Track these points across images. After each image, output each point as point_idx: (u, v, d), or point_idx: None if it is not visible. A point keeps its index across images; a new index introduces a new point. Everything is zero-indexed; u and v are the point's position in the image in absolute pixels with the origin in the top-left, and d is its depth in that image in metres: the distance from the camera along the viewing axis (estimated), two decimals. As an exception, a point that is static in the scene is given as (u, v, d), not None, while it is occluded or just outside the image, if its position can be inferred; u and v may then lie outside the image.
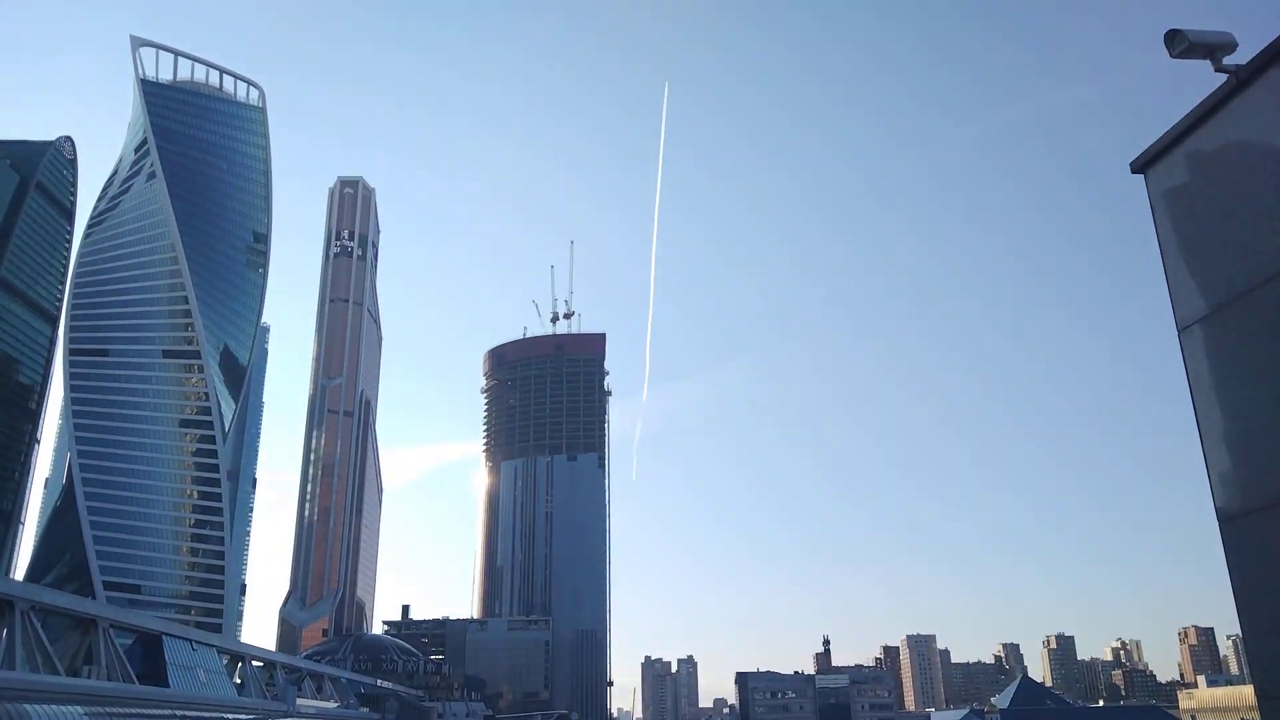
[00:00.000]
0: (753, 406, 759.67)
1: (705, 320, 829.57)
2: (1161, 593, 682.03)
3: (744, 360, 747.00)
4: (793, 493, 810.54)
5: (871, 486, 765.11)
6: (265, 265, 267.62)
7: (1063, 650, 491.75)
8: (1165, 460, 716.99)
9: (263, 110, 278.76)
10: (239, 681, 79.32)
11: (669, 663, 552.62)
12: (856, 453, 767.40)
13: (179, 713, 57.77)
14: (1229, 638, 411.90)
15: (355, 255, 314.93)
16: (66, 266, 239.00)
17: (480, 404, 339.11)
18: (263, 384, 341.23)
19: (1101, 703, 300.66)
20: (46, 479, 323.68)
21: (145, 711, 53.01)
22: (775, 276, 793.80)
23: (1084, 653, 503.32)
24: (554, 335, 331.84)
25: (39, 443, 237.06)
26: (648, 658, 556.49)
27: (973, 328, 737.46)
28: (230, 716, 68.12)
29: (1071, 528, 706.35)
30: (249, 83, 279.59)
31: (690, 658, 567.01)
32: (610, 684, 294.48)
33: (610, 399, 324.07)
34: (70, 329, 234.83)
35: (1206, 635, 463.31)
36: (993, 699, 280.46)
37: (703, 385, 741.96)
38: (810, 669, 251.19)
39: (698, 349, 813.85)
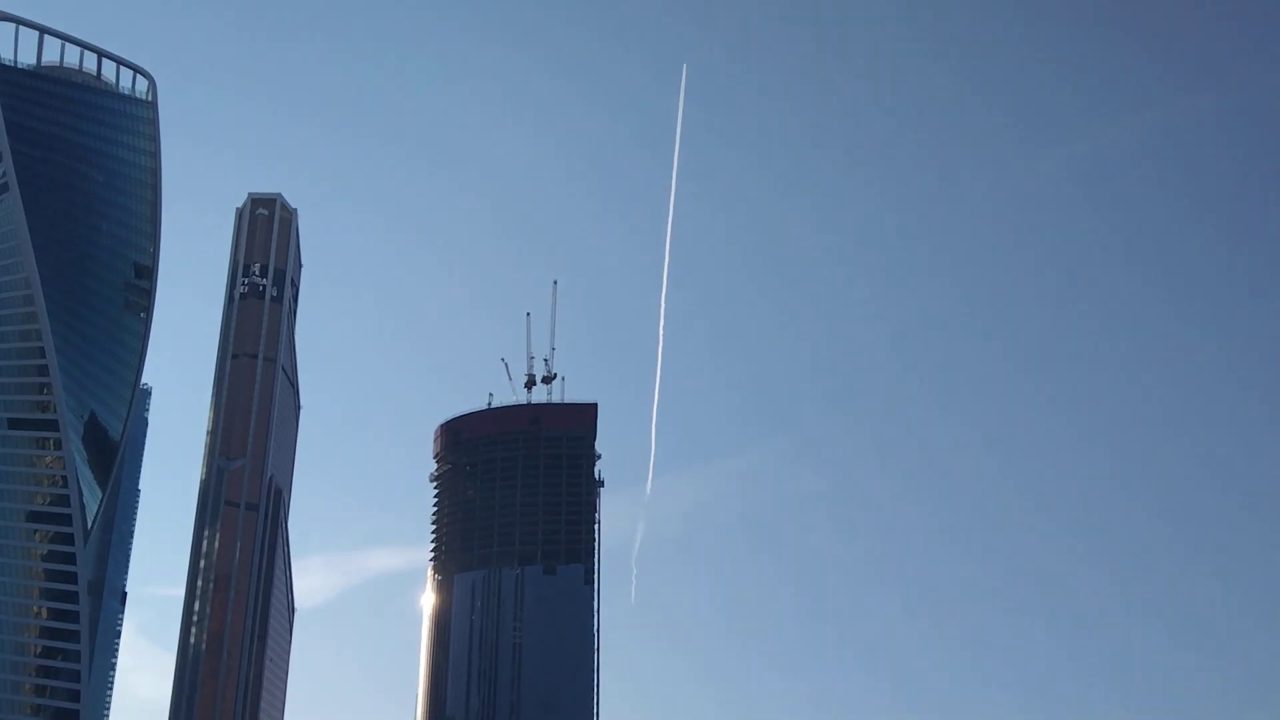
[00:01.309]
0: (797, 503, 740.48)
1: (731, 387, 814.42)
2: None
3: (784, 440, 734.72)
4: (856, 620, 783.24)
5: (970, 619, 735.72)
6: (149, 308, 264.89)
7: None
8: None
9: (153, 106, 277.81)
10: None
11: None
12: (945, 570, 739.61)
13: None
14: None
15: (268, 296, 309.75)
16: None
17: (428, 496, 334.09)
18: (139, 466, 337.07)
19: None
20: None
21: None
22: (825, 328, 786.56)
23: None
24: (529, 405, 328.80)
25: None
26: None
27: (1115, 393, 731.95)
28: None
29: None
30: (136, 70, 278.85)
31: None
32: None
33: (602, 491, 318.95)
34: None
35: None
36: None
37: (727, 474, 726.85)
38: None
39: (720, 425, 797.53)
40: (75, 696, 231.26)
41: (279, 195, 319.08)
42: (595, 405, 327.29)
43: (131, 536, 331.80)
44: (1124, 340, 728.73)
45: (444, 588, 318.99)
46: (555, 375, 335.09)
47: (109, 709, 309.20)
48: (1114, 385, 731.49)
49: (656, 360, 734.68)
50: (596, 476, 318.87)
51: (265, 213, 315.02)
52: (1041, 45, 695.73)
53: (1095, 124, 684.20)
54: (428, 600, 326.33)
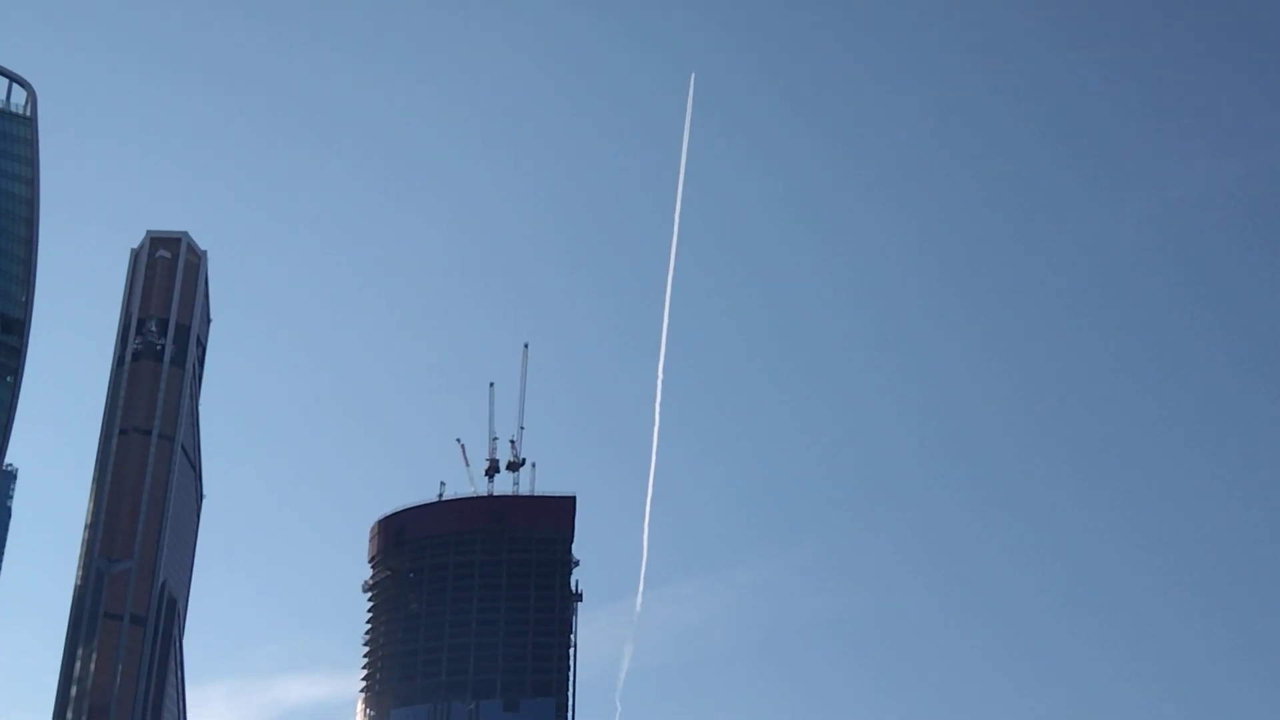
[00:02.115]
0: (816, 624, 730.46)
1: (738, 482, 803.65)
2: None
3: (801, 549, 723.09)
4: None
5: None
6: (17, 370, 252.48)
7: None
8: None
9: (31, 122, 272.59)
10: None
11: None
12: (995, 705, 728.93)
13: None
14: None
15: (167, 358, 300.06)
16: None
17: (361, 610, 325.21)
18: (0, 564, 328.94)
19: None
20: None
21: None
22: (847, 416, 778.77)
23: None
24: (490, 498, 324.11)
25: None
26: None
27: (1186, 497, 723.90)
28: None
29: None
30: (12, 78, 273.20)
31: None
32: None
33: (580, 606, 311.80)
34: None
35: None
36: None
37: (732, 587, 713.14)
38: None
39: (725, 528, 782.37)
40: None
41: (185, 234, 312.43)
42: (573, 499, 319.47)
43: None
44: (1201, 434, 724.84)
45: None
46: (524, 461, 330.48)
47: None
48: (1184, 487, 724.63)
49: (651, 446, 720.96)
50: (573, 588, 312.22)
51: (167, 255, 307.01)
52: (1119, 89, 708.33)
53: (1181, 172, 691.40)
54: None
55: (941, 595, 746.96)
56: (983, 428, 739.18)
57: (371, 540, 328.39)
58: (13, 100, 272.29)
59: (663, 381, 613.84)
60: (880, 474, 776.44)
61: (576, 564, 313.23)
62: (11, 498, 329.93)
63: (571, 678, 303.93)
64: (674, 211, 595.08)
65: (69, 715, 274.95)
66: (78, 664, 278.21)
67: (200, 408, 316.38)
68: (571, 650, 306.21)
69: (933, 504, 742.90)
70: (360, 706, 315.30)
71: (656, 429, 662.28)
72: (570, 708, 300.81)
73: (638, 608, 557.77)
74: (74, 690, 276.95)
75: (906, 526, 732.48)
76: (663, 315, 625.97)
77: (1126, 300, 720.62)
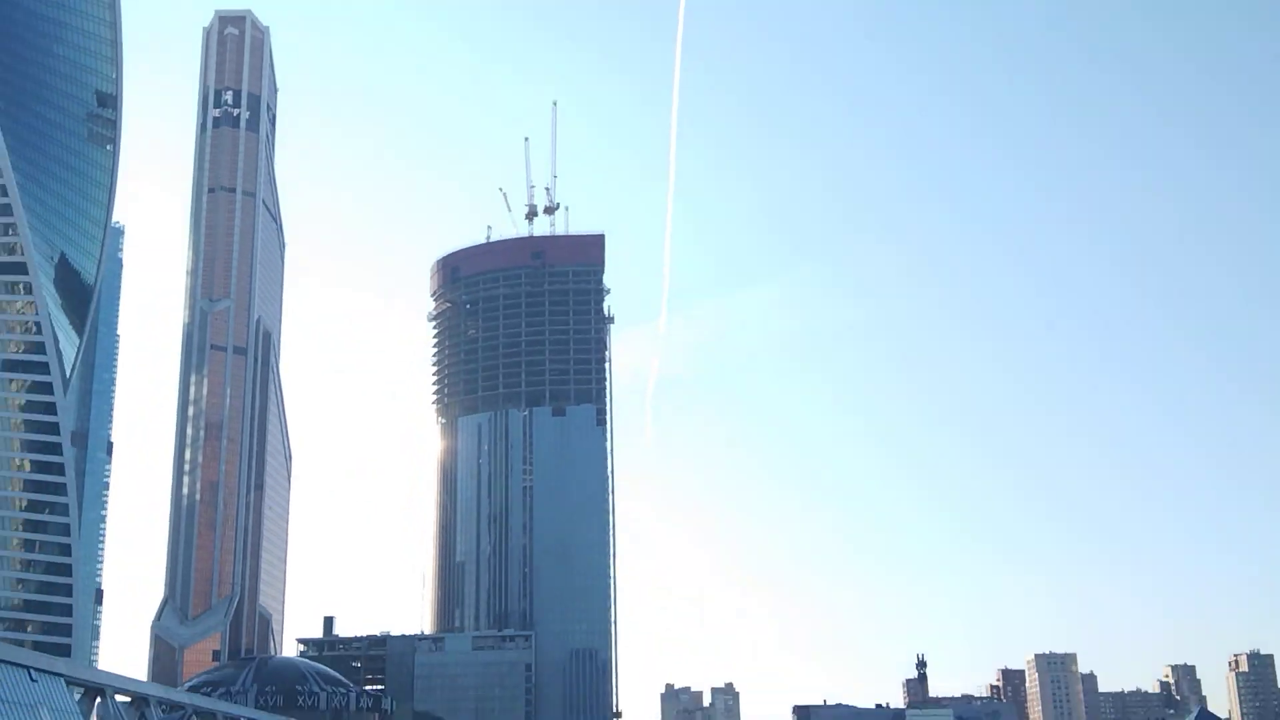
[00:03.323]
0: (823, 335, 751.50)
1: (752, 212, 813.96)
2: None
3: (808, 268, 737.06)
4: (867, 456, 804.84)
5: (990, 447, 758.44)
6: (115, 140, 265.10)
7: (1257, 673, 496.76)
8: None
9: None
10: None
11: (699, 692, 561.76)
12: (975, 397, 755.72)
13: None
14: None
15: (243, 123, 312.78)
16: None
17: (428, 336, 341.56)
18: (117, 309, 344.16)
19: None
20: None
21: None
22: (850, 149, 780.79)
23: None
24: (531, 238, 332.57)
25: None
26: (669, 686, 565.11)
27: (1148, 212, 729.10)
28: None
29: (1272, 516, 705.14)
30: None
31: (729, 686, 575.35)
32: (618, 716, 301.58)
33: (613, 327, 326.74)
34: None
35: None
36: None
37: (747, 307, 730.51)
38: (899, 700, 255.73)
39: (739, 254, 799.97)
40: (66, 550, 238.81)
41: (249, 12, 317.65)
42: (602, 236, 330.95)
43: (113, 384, 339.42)
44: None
45: (449, 431, 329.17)
46: (558, 205, 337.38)
47: (101, 563, 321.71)
48: (1160, 231, 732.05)
49: (668, 185, 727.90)
50: (606, 312, 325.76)
51: (235, 32, 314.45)
52: None
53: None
54: (432, 445, 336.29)
55: (941, 307, 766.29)
56: (969, 159, 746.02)
57: (432, 278, 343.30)
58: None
59: (677, 127, 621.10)
60: (880, 197, 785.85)
61: (608, 292, 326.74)
62: (121, 250, 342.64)
63: (608, 387, 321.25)
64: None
65: (189, 431, 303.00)
66: (191, 389, 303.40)
67: (275, 168, 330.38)
68: (607, 364, 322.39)
69: (931, 225, 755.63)
70: (433, 415, 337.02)
71: (672, 170, 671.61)
72: (609, 411, 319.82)
73: (661, 327, 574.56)
74: (190, 411, 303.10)
75: (907, 246, 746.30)
76: (675, 67, 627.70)
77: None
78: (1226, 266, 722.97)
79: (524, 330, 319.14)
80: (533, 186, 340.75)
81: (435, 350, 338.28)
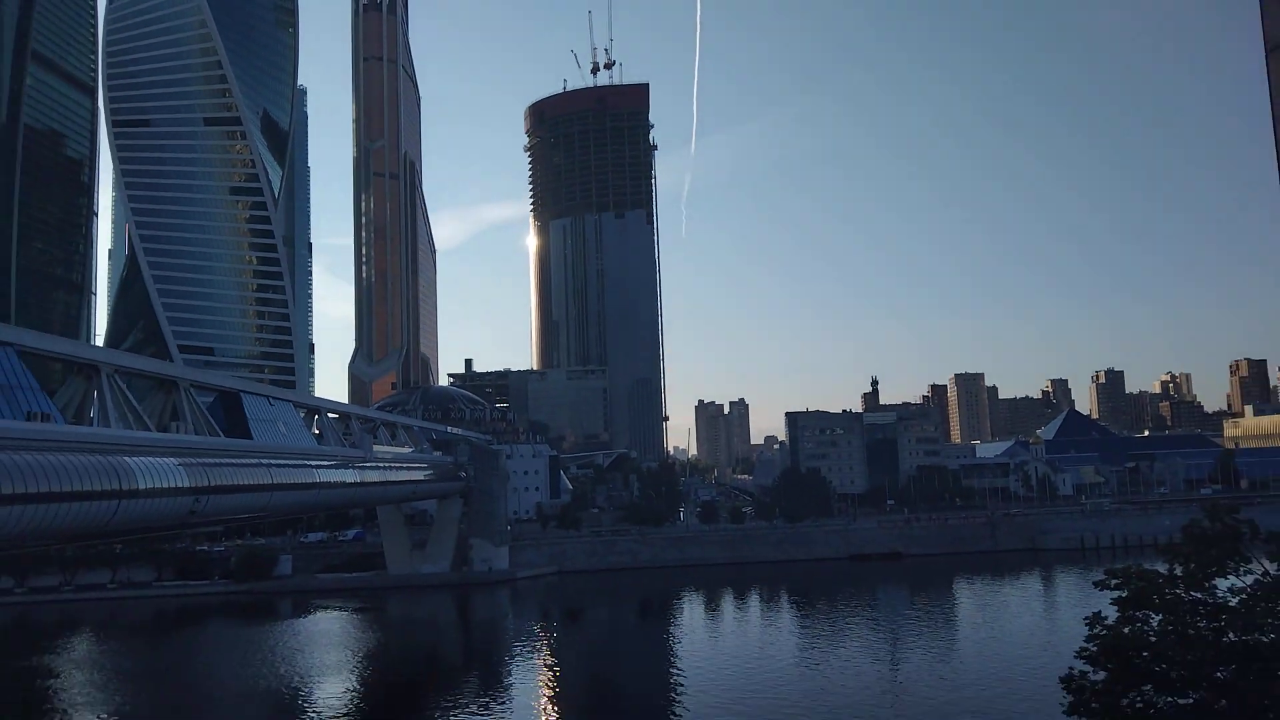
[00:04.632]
0: (804, 156, 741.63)
1: (756, 68, 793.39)
2: (1214, 328, 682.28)
3: (832, 94, 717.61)
4: (841, 240, 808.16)
5: (919, 228, 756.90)
6: (294, 24, 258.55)
7: (1111, 384, 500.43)
8: (1223, 196, 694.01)
9: None
10: (317, 433, 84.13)
11: (721, 405, 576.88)
12: (904, 196, 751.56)
13: (266, 461, 62.03)
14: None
15: (385, 8, 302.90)
16: (95, 34, 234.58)
17: (524, 163, 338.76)
18: (306, 148, 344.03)
19: (1146, 433, 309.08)
20: (110, 250, 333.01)
21: (236, 461, 56.98)
22: (831, 19, 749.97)
23: (1132, 386, 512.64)
24: (595, 88, 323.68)
25: (96, 215, 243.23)
26: (701, 401, 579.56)
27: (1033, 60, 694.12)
28: (314, 463, 73.06)
29: (1127, 263, 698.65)
30: None
31: (742, 400, 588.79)
32: (666, 419, 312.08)
33: (657, 153, 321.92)
34: (109, 100, 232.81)
35: (1258, 367, 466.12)
36: (1038, 431, 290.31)
37: (765, 129, 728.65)
38: (859, 407, 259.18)
39: (748, 99, 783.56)
40: (285, 318, 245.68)
41: None
42: (647, 85, 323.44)
43: (309, 202, 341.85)
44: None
45: (542, 232, 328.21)
46: (614, 62, 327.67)
47: (311, 328, 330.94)
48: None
49: (696, 46, 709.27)
50: (651, 142, 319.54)
51: None
52: None
53: None
54: (531, 241, 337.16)
55: (883, 137, 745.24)
56: (922, 21, 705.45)
57: (525, 118, 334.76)
58: None
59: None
60: (842, 57, 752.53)
61: (652, 126, 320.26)
62: (306, 105, 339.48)
63: (654, 196, 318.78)
64: None
65: (363, 233, 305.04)
66: (363, 203, 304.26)
67: (411, 40, 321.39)
68: (653, 180, 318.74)
69: (881, 76, 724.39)
70: (531, 220, 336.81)
71: (699, 37, 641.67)
72: (655, 214, 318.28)
73: (692, 152, 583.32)
74: (363, 219, 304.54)
75: (864, 92, 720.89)
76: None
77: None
78: None
79: (593, 157, 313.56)
80: (595, 48, 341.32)
81: (530, 173, 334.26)
